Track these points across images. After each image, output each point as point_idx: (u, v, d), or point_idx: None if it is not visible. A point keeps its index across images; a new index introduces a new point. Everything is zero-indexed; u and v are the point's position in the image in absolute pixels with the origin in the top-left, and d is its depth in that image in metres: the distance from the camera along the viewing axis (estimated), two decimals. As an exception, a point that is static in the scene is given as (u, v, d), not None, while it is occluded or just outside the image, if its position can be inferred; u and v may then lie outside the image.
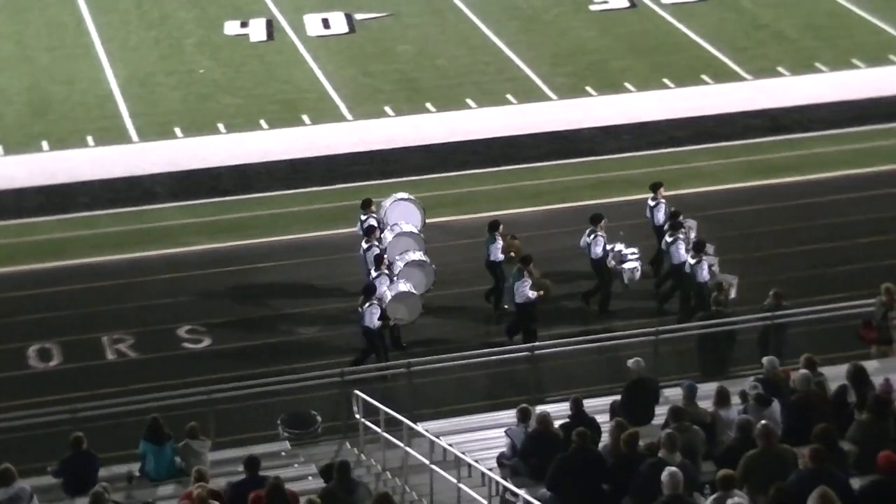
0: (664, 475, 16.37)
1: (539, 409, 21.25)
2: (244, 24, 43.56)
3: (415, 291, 28.43)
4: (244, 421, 24.36)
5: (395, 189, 33.14)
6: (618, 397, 22.11)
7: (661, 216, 29.58)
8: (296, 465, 21.96)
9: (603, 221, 28.93)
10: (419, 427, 21.90)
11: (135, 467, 21.15)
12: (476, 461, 20.54)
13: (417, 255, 29.22)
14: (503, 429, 21.34)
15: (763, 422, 17.98)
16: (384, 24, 43.60)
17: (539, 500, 17.90)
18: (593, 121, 37.24)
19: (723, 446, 19.05)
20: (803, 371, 20.55)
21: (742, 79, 39.39)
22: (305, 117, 37.62)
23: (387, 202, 30.53)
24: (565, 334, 26.66)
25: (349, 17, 43.96)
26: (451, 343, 27.44)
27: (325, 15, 44.03)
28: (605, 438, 19.75)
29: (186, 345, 28.48)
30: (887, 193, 31.25)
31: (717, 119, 37.21)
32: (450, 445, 21.16)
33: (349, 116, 37.82)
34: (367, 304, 26.74)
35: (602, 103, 38.19)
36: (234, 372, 26.09)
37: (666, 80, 39.26)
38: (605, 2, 44.92)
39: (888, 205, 31.85)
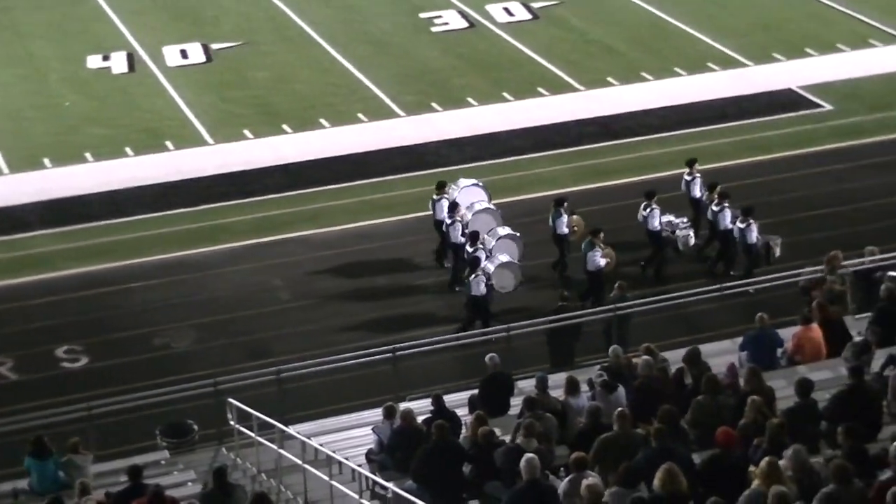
0: (522, 461, 16.46)
1: (403, 406, 21.25)
2: (106, 58, 42.95)
3: (517, 262, 29.04)
4: (124, 433, 24.07)
5: (255, 208, 33.15)
6: (475, 391, 22.18)
7: (696, 190, 30.54)
8: (175, 473, 21.75)
9: (656, 196, 29.71)
10: (291, 429, 21.80)
11: (22, 483, 20.78)
12: (346, 459, 20.48)
13: (506, 230, 29.67)
14: (370, 427, 21.35)
15: (620, 408, 18.15)
16: (240, 53, 43.29)
17: (406, 492, 17.88)
18: (439, 135, 37.27)
19: (574, 431, 19.18)
20: (645, 357, 20.77)
21: (575, 90, 39.68)
22: (169, 143, 37.20)
23: (457, 187, 30.97)
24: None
25: (206, 48, 43.58)
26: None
27: (182, 46, 43.59)
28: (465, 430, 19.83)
29: (65, 364, 28.03)
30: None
31: (553, 128, 37.44)
32: (321, 445, 21.08)
33: (210, 141, 37.48)
34: (473, 276, 27.38)
35: (447, 118, 38.25)
36: (112, 387, 25.69)
37: (505, 94, 39.44)
38: (446, 23, 45.04)
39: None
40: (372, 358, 25.13)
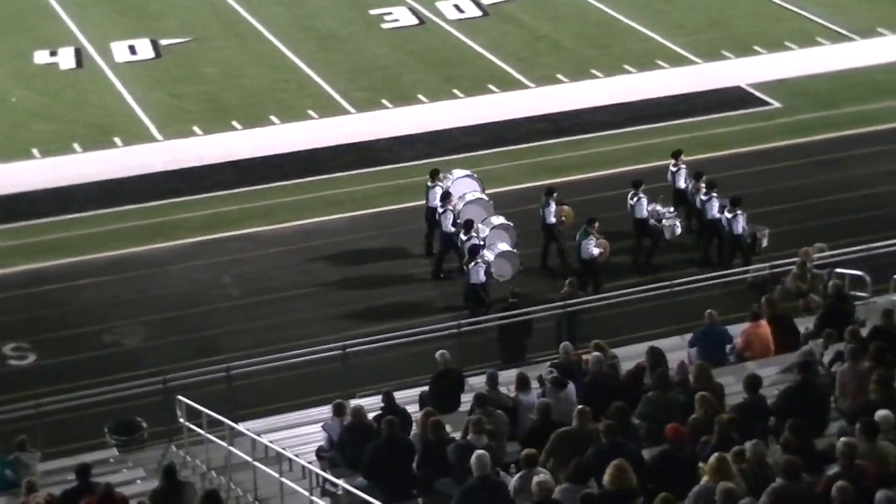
0: (473, 458, 16.46)
1: (353, 402, 21.25)
2: (53, 54, 42.68)
3: (515, 251, 29.43)
4: (73, 431, 23.94)
5: (205, 205, 33.07)
6: (426, 388, 22.20)
7: (682, 181, 30.92)
8: (124, 471, 21.66)
9: (643, 185, 30.07)
10: (241, 427, 21.74)
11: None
12: (296, 456, 20.44)
13: (500, 219, 30.04)
14: (320, 423, 21.32)
15: (580, 406, 18.18)
16: (189, 49, 43.10)
17: (357, 488, 17.86)
18: (390, 131, 37.25)
19: (525, 428, 19.22)
20: (596, 354, 20.84)
21: (525, 87, 39.75)
22: (117, 139, 37.00)
23: (451, 176, 31.31)
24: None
25: (154, 43, 43.36)
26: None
27: (131, 42, 43.35)
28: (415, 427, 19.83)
29: (12, 362, 27.84)
30: (659, 187, 31.84)
31: (503, 125, 37.48)
32: (271, 442, 21.04)
33: (159, 137, 37.30)
34: (473, 264, 27.79)
35: (397, 115, 38.23)
36: (61, 385, 25.56)
37: (455, 91, 39.46)
38: (396, 20, 45.00)
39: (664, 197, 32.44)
40: (322, 355, 25.09)
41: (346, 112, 38.50)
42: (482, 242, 29.14)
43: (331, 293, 29.85)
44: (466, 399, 21.40)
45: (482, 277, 28.03)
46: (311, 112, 38.40)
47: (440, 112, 38.29)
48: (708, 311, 22.99)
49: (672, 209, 30.70)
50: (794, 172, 33.83)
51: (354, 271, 30.60)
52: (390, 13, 45.46)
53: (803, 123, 36.61)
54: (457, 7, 45.76)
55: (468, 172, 32.02)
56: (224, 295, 30.02)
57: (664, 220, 30.34)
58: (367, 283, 30.08)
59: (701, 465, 16.16)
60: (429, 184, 30.89)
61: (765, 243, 29.76)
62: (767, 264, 27.07)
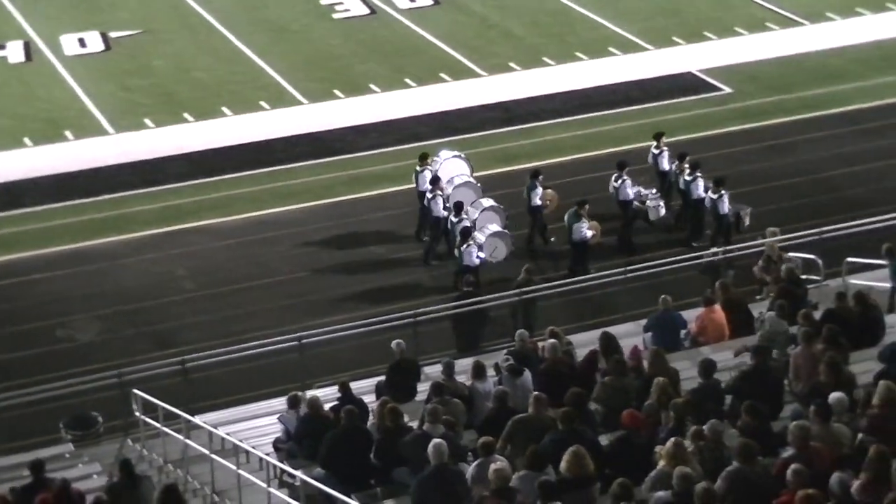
0: (430, 446, 16.49)
1: (309, 394, 21.23)
2: (1, 47, 42.37)
3: (507, 231, 29.49)
4: (27, 427, 23.81)
5: (158, 197, 32.96)
6: (382, 378, 22.20)
7: (665, 162, 31.29)
8: (80, 465, 21.56)
9: (628, 167, 30.46)
10: (197, 419, 21.68)
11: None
12: (253, 447, 20.40)
13: (489, 202, 30.13)
14: (277, 415, 21.30)
15: (536, 393, 18.23)
16: (139, 41, 42.88)
17: (314, 479, 17.85)
18: (342, 122, 37.19)
19: (482, 416, 19.25)
20: (551, 341, 20.89)
21: (477, 75, 39.76)
22: (68, 133, 36.78)
23: (439, 159, 31.38)
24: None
25: (104, 36, 43.11)
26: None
27: (80, 35, 43.09)
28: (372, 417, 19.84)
29: (-34, 358, 27.69)
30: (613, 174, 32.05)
31: (456, 114, 37.49)
32: (228, 434, 20.98)
33: (111, 130, 37.10)
34: (466, 246, 27.79)
35: (350, 105, 38.16)
36: (15, 380, 25.43)
37: (408, 80, 39.44)
38: (347, 10, 44.92)
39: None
40: (278, 346, 25.05)
41: (299, 103, 38.41)
42: (472, 225, 29.21)
43: (286, 284, 29.79)
44: (423, 388, 21.43)
45: (475, 260, 28.06)
46: (263, 103, 38.28)
47: (393, 101, 38.25)
48: (662, 296, 23.10)
49: (655, 191, 30.95)
50: (746, 157, 33.98)
51: (309, 262, 30.55)
52: (341, 3, 45.37)
53: (754, 109, 36.79)
54: (408, -4, 45.81)
55: (456, 153, 32.16)
56: (179, 288, 29.91)
57: (648, 202, 30.60)
58: (322, 274, 30.05)
59: (657, 450, 16.25)
60: (418, 168, 30.97)
61: (748, 221, 30.12)
62: (720, 249, 27.18)
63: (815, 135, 30.92)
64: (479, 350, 25.31)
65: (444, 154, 31.91)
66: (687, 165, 30.46)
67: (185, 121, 37.47)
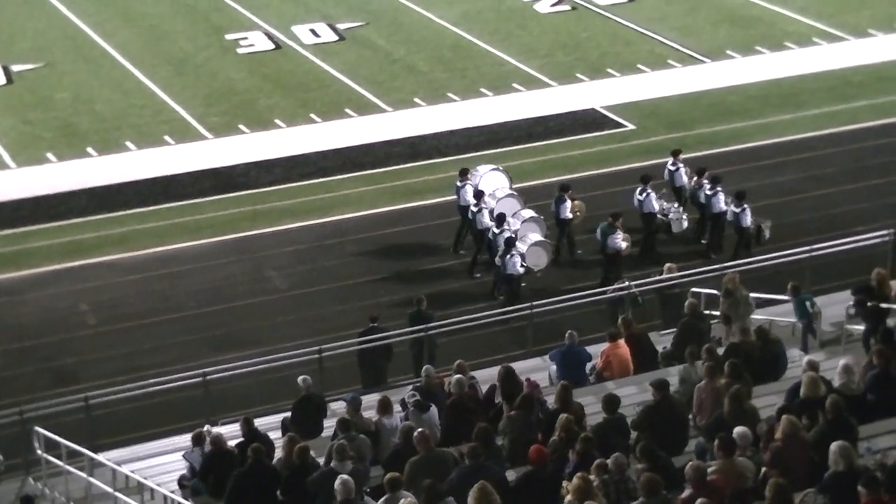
0: (337, 483, 16.45)
1: (214, 430, 21.07)
2: None
3: (548, 240, 30.45)
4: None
5: (61, 232, 32.65)
6: (288, 414, 22.11)
7: (682, 178, 32.01)
8: (-20, 505, 21.25)
9: (651, 181, 31.21)
10: (100, 457, 21.45)
11: None
12: (158, 485, 20.22)
13: (530, 212, 30.95)
14: (182, 452, 21.13)
15: (419, 429, 18.23)
16: (40, 74, 42.53)
17: (221, 517, 17.74)
18: (247, 156, 37.08)
19: (388, 452, 19.23)
20: (457, 376, 20.92)
21: (382, 110, 39.84)
22: (-32, 167, 36.40)
23: (478, 173, 31.98)
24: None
25: (6, 69, 42.71)
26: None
27: (-19, 68, 42.75)
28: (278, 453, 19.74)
29: None
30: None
31: (361, 149, 37.50)
32: (132, 472, 20.79)
33: (12, 164, 36.70)
34: (509, 255, 28.57)
35: (254, 139, 38.07)
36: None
37: (313, 115, 39.42)
38: (252, 45, 44.88)
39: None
40: (182, 382, 24.84)
41: (203, 137, 38.25)
42: (514, 235, 29.74)
43: (190, 320, 29.60)
44: (329, 424, 21.37)
45: (519, 269, 28.80)
46: (167, 137, 38.08)
47: (297, 136, 38.21)
48: (568, 331, 23.19)
49: (677, 204, 31.74)
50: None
51: (214, 298, 30.38)
52: (246, 38, 45.34)
53: (655, 145, 37.16)
54: (312, 31, 45.79)
55: (494, 166, 32.74)
56: (81, 323, 29.63)
57: (671, 215, 31.41)
58: (226, 309, 29.88)
59: (564, 485, 16.33)
60: (458, 183, 31.56)
61: (768, 234, 30.95)
62: (626, 283, 27.38)
63: (716, 171, 31.33)
64: (384, 386, 25.29)
65: (483, 168, 32.55)
66: (706, 180, 31.18)
67: (88, 155, 37.17)
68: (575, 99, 40.42)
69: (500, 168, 32.76)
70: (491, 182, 31.98)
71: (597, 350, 23.55)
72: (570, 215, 31.08)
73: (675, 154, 32.59)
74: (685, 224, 31.63)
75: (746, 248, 30.45)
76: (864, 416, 17.89)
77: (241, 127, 38.76)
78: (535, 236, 30.40)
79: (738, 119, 38.74)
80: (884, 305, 23.15)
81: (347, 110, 39.77)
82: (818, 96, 40.11)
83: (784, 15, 46.46)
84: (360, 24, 46.45)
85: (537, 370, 23.44)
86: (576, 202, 31.32)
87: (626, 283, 27.37)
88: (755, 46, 43.81)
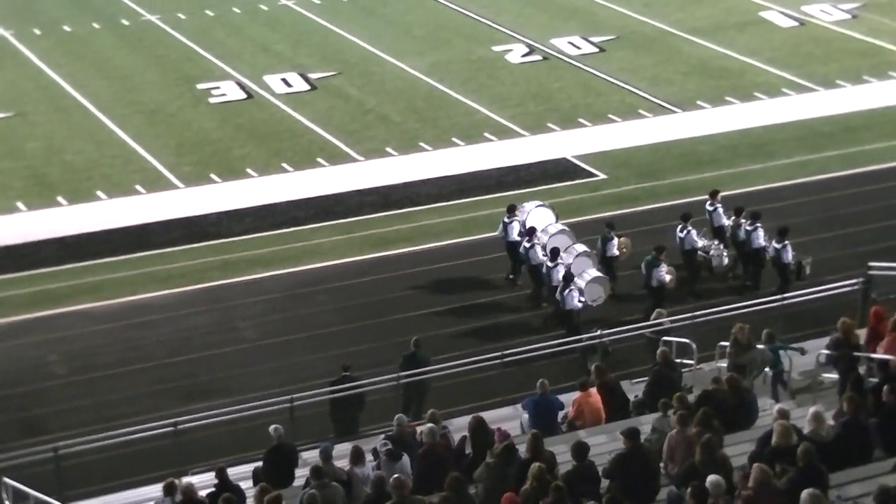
0: (309, 532, 16.42)
1: (185, 480, 21.00)
2: None
3: (605, 276, 31.00)
4: None
5: (31, 281, 32.59)
6: (259, 463, 22.06)
7: (721, 218, 32.40)
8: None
9: (692, 219, 31.85)
10: (70, 508, 21.37)
11: None
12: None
13: (582, 247, 31.48)
14: (152, 502, 21.05)
15: (396, 475, 18.23)
16: (11, 124, 42.55)
17: (192, 567, 17.66)
18: (219, 206, 37.11)
19: (360, 501, 19.21)
20: (429, 425, 20.92)
21: (354, 160, 39.94)
22: (-62, 216, 36.31)
23: (524, 210, 32.54)
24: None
25: (-24, 118, 42.81)
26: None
27: (-48, 117, 42.74)
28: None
29: None
30: (490, 258, 32.33)
31: (333, 198, 37.58)
32: (102, 523, 20.72)
33: (-19, 213, 36.71)
34: (567, 290, 29.13)
35: (226, 189, 38.11)
36: None
37: (284, 165, 39.50)
38: (224, 94, 44.99)
39: (494, 267, 32.82)
40: (153, 432, 24.76)
41: (175, 187, 38.28)
42: (567, 269, 30.16)
43: (161, 369, 29.53)
44: (301, 473, 21.33)
45: (577, 303, 29.29)
46: (138, 187, 38.09)
47: (269, 186, 38.28)
48: (540, 380, 23.23)
49: (717, 241, 32.13)
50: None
51: (184, 347, 30.33)
52: (217, 87, 45.46)
53: (627, 194, 37.34)
54: (284, 81, 45.94)
55: (539, 202, 33.28)
56: (51, 373, 29.53)
57: (712, 251, 32.04)
58: (197, 359, 29.83)
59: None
60: (506, 219, 32.12)
61: (808, 270, 31.12)
62: (598, 332, 27.48)
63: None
64: (356, 435, 25.25)
65: (529, 205, 32.86)
66: (744, 219, 31.56)
67: (59, 204, 37.15)
68: (546, 148, 40.61)
69: (546, 204, 33.26)
70: (538, 218, 32.41)
71: (569, 399, 23.60)
72: (616, 252, 31.70)
73: (713, 195, 32.95)
74: (726, 261, 32.15)
75: (786, 284, 30.66)
76: (834, 464, 17.95)
77: (213, 176, 38.80)
78: (593, 272, 30.79)
79: (709, 168, 38.98)
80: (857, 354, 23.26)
81: (319, 159, 39.88)
82: (788, 146, 40.42)
83: (753, 66, 46.83)
84: (331, 73, 46.63)
85: (509, 419, 23.44)
86: (622, 239, 31.92)
87: (598, 332, 27.46)
88: (725, 97, 44.13)
